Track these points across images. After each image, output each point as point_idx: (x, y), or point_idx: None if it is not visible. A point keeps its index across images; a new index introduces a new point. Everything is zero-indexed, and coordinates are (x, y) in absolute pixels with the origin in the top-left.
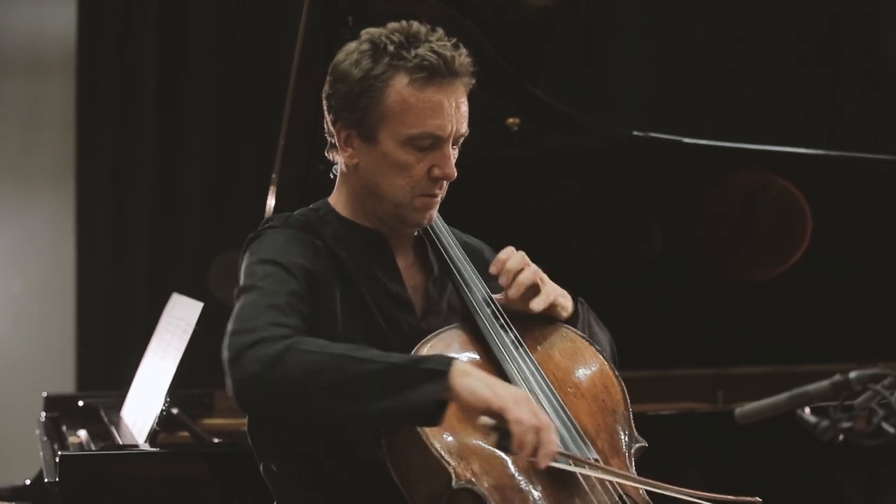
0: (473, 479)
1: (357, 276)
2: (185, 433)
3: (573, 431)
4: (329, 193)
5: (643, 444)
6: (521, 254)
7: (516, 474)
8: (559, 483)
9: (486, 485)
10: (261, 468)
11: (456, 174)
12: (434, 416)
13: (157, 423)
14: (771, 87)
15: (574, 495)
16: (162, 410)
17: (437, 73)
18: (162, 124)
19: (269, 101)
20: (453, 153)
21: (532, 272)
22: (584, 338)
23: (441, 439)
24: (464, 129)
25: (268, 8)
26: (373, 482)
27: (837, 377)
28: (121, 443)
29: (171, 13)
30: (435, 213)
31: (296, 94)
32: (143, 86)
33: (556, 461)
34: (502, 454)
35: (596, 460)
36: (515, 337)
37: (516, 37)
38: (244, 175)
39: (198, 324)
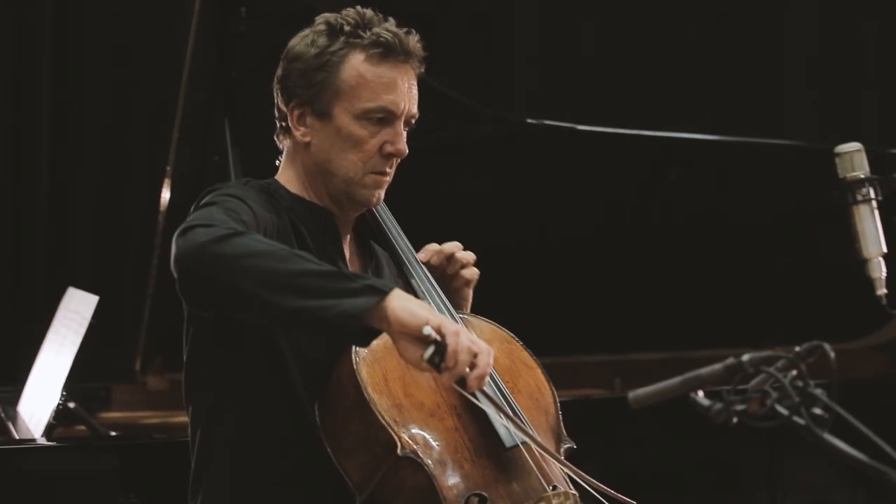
0: (419, 451)
1: (312, 248)
2: (83, 427)
3: (519, 418)
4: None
5: (571, 445)
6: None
7: (459, 451)
8: (500, 464)
9: (430, 458)
10: (194, 437)
11: (407, 152)
12: (357, 329)
13: (53, 418)
14: (676, 72)
15: (513, 479)
16: (58, 404)
17: (392, 51)
18: (57, 117)
19: (163, 92)
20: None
21: (475, 273)
22: (518, 342)
23: (389, 408)
24: (414, 109)
25: None
26: (304, 444)
27: (730, 360)
28: (17, 437)
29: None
30: (383, 194)
31: (189, 84)
32: (38, 75)
33: (483, 394)
34: (451, 443)
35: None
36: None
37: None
38: (139, 168)
39: (93, 317)
